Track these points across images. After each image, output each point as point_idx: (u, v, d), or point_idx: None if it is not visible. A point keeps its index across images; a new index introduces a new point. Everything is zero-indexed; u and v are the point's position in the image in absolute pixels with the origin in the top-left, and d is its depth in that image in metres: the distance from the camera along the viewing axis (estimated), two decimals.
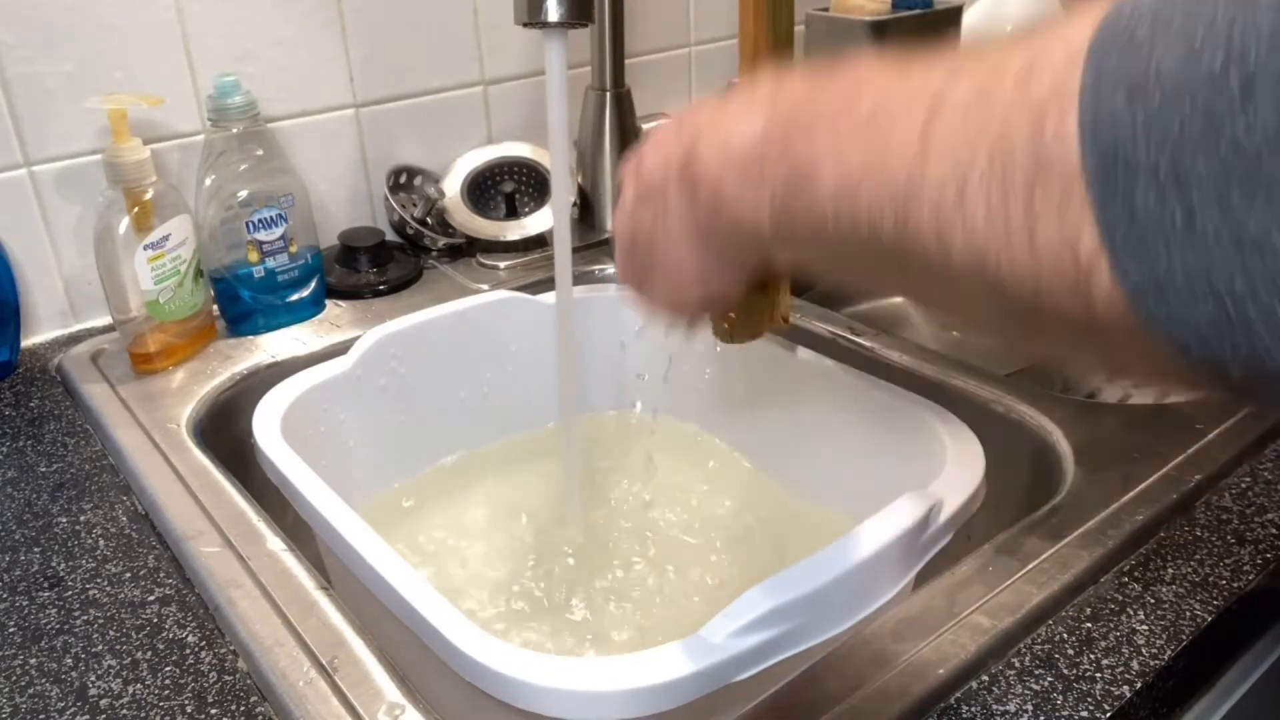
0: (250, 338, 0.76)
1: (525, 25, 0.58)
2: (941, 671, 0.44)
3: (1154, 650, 0.45)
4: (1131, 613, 0.47)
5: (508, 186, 0.91)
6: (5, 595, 0.52)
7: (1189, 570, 0.50)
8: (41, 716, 0.44)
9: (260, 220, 0.75)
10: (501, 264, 0.88)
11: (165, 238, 0.70)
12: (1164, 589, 0.49)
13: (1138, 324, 0.24)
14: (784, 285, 0.64)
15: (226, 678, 0.46)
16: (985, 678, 0.44)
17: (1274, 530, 0.52)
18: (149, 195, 0.69)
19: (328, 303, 0.82)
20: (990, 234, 0.26)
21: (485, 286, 0.82)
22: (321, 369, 0.65)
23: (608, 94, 0.91)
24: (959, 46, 0.31)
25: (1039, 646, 0.46)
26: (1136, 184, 0.23)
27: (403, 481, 0.72)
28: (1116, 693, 0.43)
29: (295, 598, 0.50)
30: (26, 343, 0.78)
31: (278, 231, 0.76)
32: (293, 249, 0.77)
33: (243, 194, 0.74)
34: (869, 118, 0.31)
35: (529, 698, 0.40)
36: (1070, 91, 0.24)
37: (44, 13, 0.73)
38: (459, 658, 0.41)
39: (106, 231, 0.69)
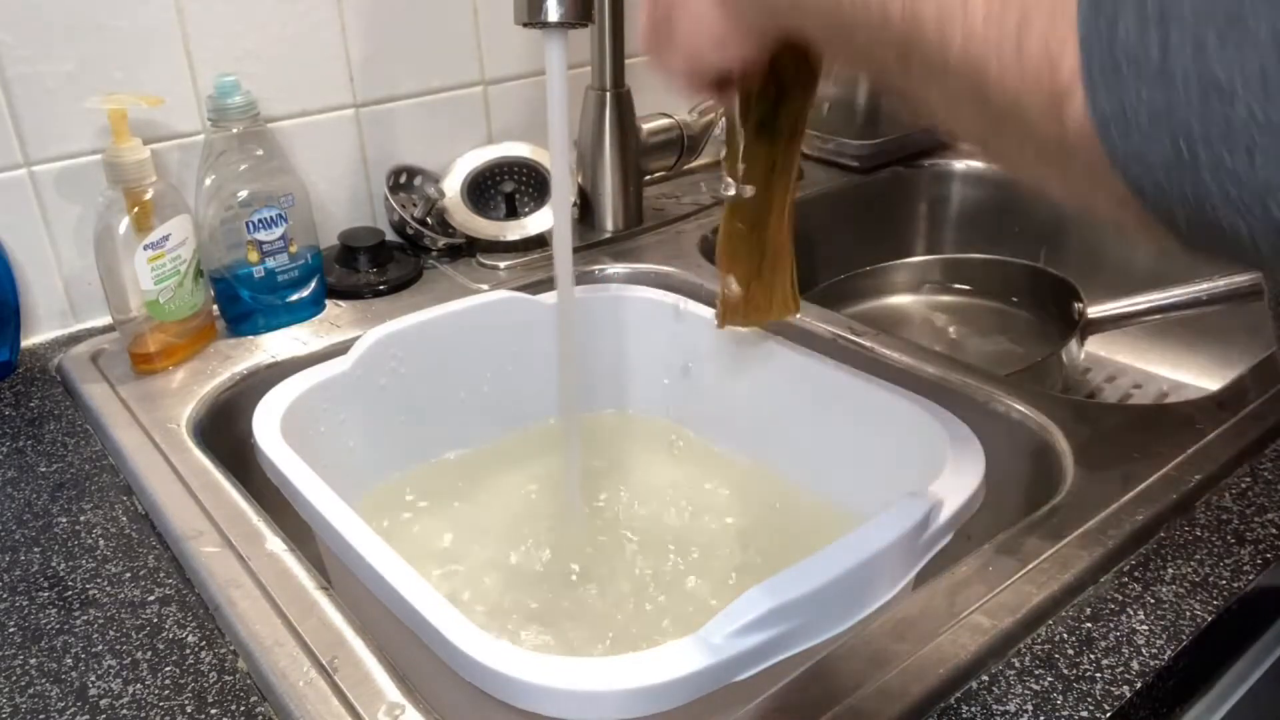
0: (250, 338, 0.76)
1: (525, 25, 0.58)
2: (941, 671, 0.44)
3: (1154, 650, 0.45)
4: (1131, 613, 0.47)
5: (508, 186, 0.91)
6: (5, 595, 0.52)
7: (1189, 570, 0.50)
8: (41, 716, 0.44)
9: (260, 220, 0.75)
10: (501, 264, 0.88)
11: (165, 238, 0.70)
12: (1164, 589, 0.49)
13: (1102, 155, 0.26)
14: (792, 272, 0.64)
15: (226, 678, 0.46)
16: (985, 678, 0.44)
17: (1274, 530, 0.52)
18: (149, 195, 0.69)
19: (328, 303, 0.82)
20: (986, 36, 0.28)
21: (485, 286, 0.82)
22: (321, 369, 0.66)
23: (608, 94, 0.91)
24: None
25: (1039, 646, 0.46)
26: (1121, 12, 0.24)
27: (402, 481, 0.72)
28: (1116, 693, 0.43)
29: (295, 598, 0.50)
30: (26, 343, 0.78)
31: (278, 231, 0.76)
32: (293, 249, 0.77)
33: (243, 194, 0.74)
34: None
35: (529, 698, 0.40)
36: None
37: (44, 13, 0.73)
38: (459, 658, 0.41)
39: (106, 231, 0.69)
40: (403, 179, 0.92)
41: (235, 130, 0.73)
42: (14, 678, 0.46)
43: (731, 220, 0.61)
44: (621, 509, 0.71)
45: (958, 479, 0.52)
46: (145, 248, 0.69)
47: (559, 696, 0.39)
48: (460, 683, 0.42)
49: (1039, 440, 0.62)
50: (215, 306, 0.78)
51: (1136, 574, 0.50)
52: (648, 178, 1.00)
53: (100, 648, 0.48)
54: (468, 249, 0.90)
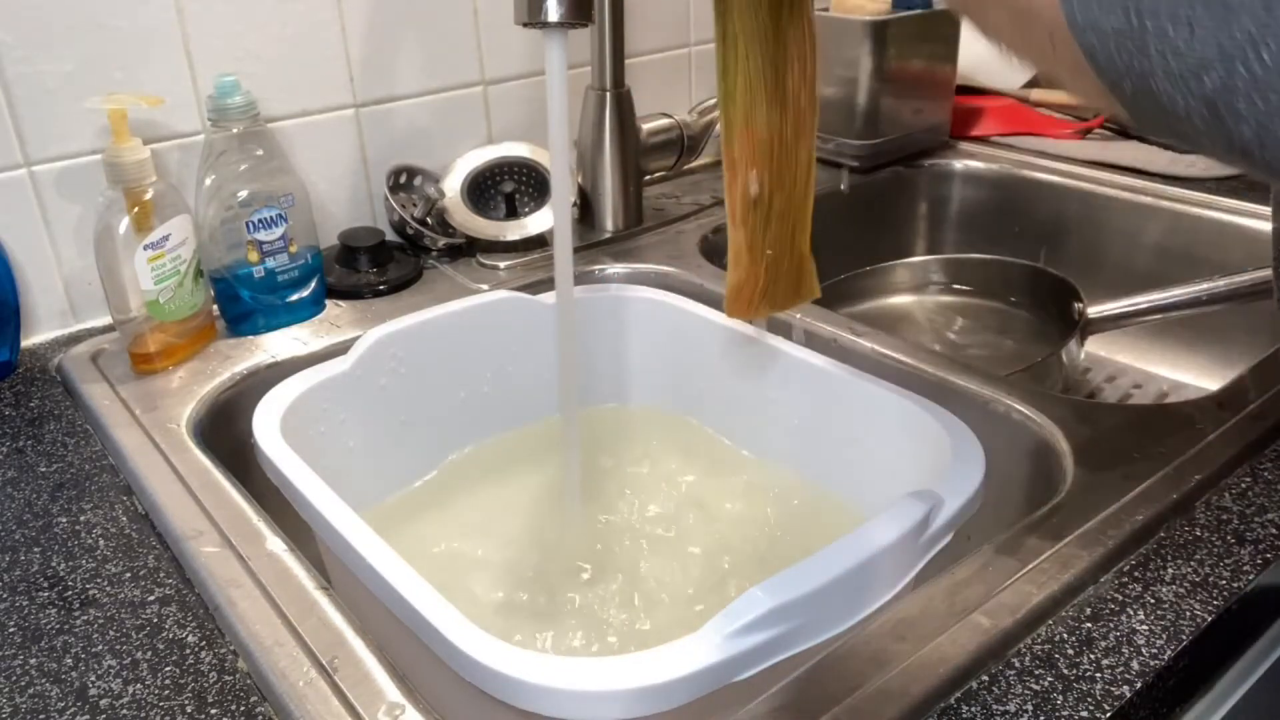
0: (250, 338, 0.76)
1: (525, 25, 0.58)
2: (941, 671, 0.44)
3: (1154, 650, 0.45)
4: (1131, 613, 0.47)
5: (508, 186, 0.91)
6: (5, 595, 0.52)
7: (1189, 570, 0.50)
8: (41, 716, 0.44)
9: (260, 220, 0.75)
10: (501, 264, 0.88)
11: (165, 238, 0.70)
12: (1164, 589, 0.49)
13: (1062, 19, 0.28)
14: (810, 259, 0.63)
15: (226, 678, 0.46)
16: (985, 678, 0.44)
17: (1274, 530, 0.52)
18: (149, 195, 0.69)
19: (328, 303, 0.82)
20: None
21: (485, 286, 0.82)
22: (321, 369, 0.66)
23: (608, 94, 0.91)
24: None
25: (1039, 646, 0.46)
26: None
27: (402, 481, 0.72)
28: (1116, 693, 0.43)
29: (295, 598, 0.50)
30: (26, 343, 0.78)
31: (278, 231, 0.76)
32: (293, 249, 0.77)
33: (243, 194, 0.74)
34: None
35: (529, 698, 0.40)
36: None
37: (44, 13, 0.73)
38: (459, 658, 0.41)
39: (106, 231, 0.69)
40: (403, 179, 0.92)
41: (235, 130, 0.73)
42: (14, 678, 0.46)
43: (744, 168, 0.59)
44: (621, 508, 0.71)
45: (958, 479, 0.52)
46: (145, 248, 0.69)
47: (559, 696, 0.39)
48: (460, 683, 0.42)
49: (1039, 440, 0.62)
50: (215, 306, 0.78)
51: (1136, 574, 0.50)
52: (648, 178, 1.00)
53: (100, 648, 0.48)
54: (468, 249, 0.90)
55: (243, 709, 0.44)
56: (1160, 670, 0.44)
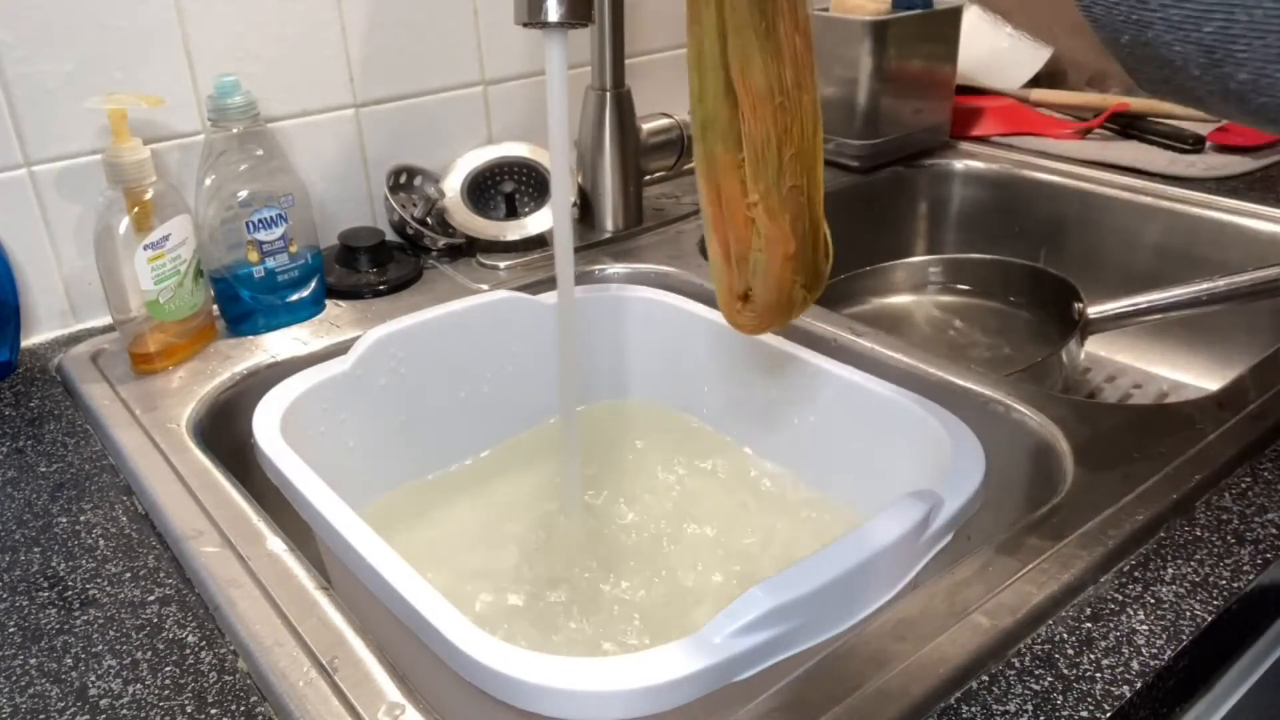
0: (250, 338, 0.76)
1: (525, 25, 0.58)
2: (941, 671, 0.44)
3: (1154, 650, 0.45)
4: (1131, 613, 0.47)
5: (508, 186, 0.91)
6: (5, 595, 0.52)
7: (1189, 570, 0.50)
8: (41, 716, 0.44)
9: (260, 220, 0.75)
10: (501, 264, 0.88)
11: (165, 238, 0.70)
12: (1164, 589, 0.49)
13: None
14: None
15: (226, 678, 0.46)
16: (985, 678, 0.44)
17: (1274, 530, 0.52)
18: (149, 195, 0.69)
19: (328, 303, 0.82)
20: None
21: (485, 286, 0.82)
22: (321, 369, 0.66)
23: (608, 94, 0.91)
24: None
25: (1039, 646, 0.46)
26: None
27: (402, 481, 0.72)
28: (1116, 693, 0.43)
29: (295, 598, 0.50)
30: (26, 343, 0.78)
31: (278, 231, 0.76)
32: (293, 249, 0.77)
33: (243, 194, 0.74)
34: None
35: (529, 698, 0.40)
36: None
37: (44, 13, 0.73)
38: (459, 658, 0.41)
39: (106, 231, 0.69)
40: (403, 179, 0.92)
41: (235, 130, 0.73)
42: (14, 678, 0.46)
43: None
44: (621, 508, 0.71)
45: (958, 479, 0.52)
46: (145, 248, 0.69)
47: (559, 696, 0.39)
48: (460, 683, 0.42)
49: (1039, 440, 0.62)
50: (215, 306, 0.78)
51: (1136, 574, 0.50)
52: (648, 178, 1.00)
53: (100, 648, 0.48)
54: (468, 249, 0.90)
55: (243, 709, 0.44)
56: (1160, 670, 0.44)
